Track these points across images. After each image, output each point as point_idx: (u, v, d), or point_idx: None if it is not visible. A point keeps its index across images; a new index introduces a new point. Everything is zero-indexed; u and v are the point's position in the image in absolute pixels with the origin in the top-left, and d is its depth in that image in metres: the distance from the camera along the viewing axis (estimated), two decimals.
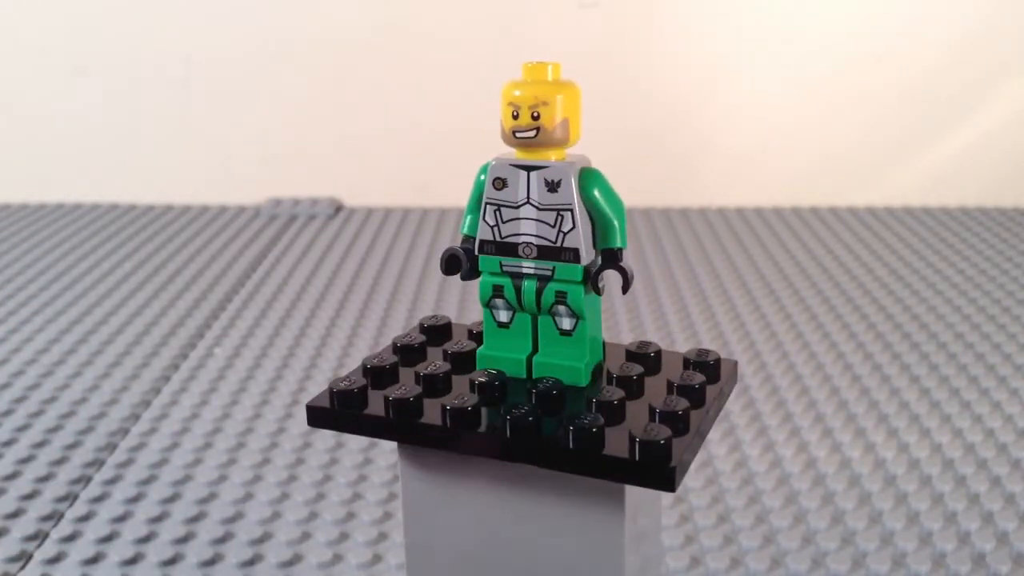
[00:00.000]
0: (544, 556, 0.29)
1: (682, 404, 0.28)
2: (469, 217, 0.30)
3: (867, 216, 0.91)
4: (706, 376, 0.30)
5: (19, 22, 0.93)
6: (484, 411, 0.28)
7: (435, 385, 0.29)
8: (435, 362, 0.30)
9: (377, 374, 0.30)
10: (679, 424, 0.27)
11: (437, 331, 0.33)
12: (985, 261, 0.79)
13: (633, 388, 0.29)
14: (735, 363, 0.32)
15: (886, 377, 0.58)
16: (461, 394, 0.28)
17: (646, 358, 0.31)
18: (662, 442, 0.26)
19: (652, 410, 0.28)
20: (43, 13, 0.93)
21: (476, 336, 0.32)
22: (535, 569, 0.30)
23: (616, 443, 0.27)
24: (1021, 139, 0.93)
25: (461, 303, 0.70)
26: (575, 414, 0.27)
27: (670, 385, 0.30)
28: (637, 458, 0.26)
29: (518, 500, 0.29)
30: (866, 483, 0.47)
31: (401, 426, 0.28)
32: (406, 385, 0.29)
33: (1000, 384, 0.57)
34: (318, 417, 0.29)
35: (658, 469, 0.26)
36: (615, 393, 0.28)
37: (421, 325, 0.33)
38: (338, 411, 0.29)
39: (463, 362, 0.31)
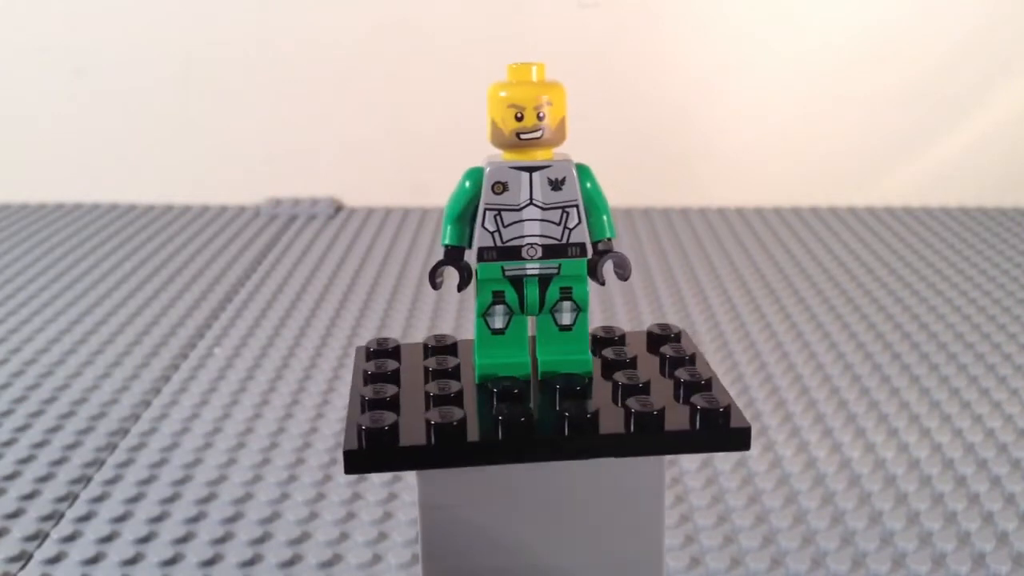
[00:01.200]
0: (579, 555, 0.29)
1: (703, 373, 0.29)
2: (451, 227, 0.29)
3: (867, 216, 0.91)
4: (683, 347, 0.31)
5: (19, 22, 0.93)
6: (533, 416, 0.28)
7: (455, 403, 0.29)
8: (440, 382, 0.29)
9: (382, 406, 0.29)
10: (712, 391, 0.28)
11: (391, 355, 0.32)
12: (985, 261, 0.79)
13: (635, 368, 0.30)
14: (684, 331, 0.33)
15: (886, 377, 0.58)
16: (499, 406, 0.28)
17: (613, 341, 0.32)
18: (722, 409, 0.27)
19: (678, 383, 0.29)
20: (43, 13, 0.93)
21: (437, 350, 0.32)
22: (572, 570, 0.30)
23: (674, 419, 0.27)
24: (1021, 139, 0.93)
25: (461, 303, 0.70)
26: (614, 402, 0.28)
27: (664, 360, 0.30)
28: (705, 427, 0.27)
29: (550, 503, 0.29)
30: (866, 483, 0.47)
31: (448, 450, 0.27)
32: (439, 409, 0.28)
33: (1000, 384, 0.57)
34: (356, 461, 0.27)
35: (730, 433, 0.27)
36: (638, 376, 0.29)
37: (368, 350, 0.32)
38: (371, 450, 0.27)
39: (455, 378, 0.30)
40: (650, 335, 0.32)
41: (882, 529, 0.43)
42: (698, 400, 0.28)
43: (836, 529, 0.43)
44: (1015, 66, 0.91)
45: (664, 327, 0.32)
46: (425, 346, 0.32)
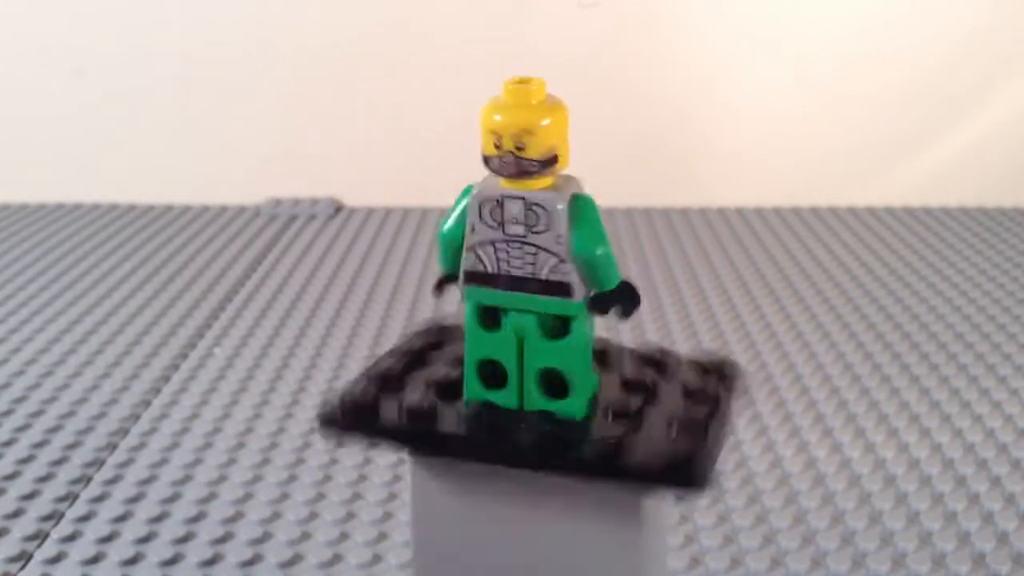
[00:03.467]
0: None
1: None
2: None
3: (867, 216, 0.91)
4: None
5: (19, 22, 0.93)
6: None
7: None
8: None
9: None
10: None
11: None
12: (985, 261, 0.79)
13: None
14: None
15: (886, 377, 0.58)
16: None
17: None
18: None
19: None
20: (43, 13, 0.93)
21: None
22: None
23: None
24: (1021, 139, 0.93)
25: (461, 302, 0.70)
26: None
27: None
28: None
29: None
30: (866, 483, 0.47)
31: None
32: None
33: (1000, 384, 0.57)
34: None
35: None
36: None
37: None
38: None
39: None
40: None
41: (882, 529, 0.43)
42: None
43: (836, 529, 0.43)
44: (1015, 66, 0.91)
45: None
46: None
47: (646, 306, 0.69)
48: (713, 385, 0.29)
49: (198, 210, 0.95)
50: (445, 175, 0.97)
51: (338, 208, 0.95)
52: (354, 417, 0.28)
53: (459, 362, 0.30)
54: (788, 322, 0.66)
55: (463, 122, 0.92)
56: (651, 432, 0.27)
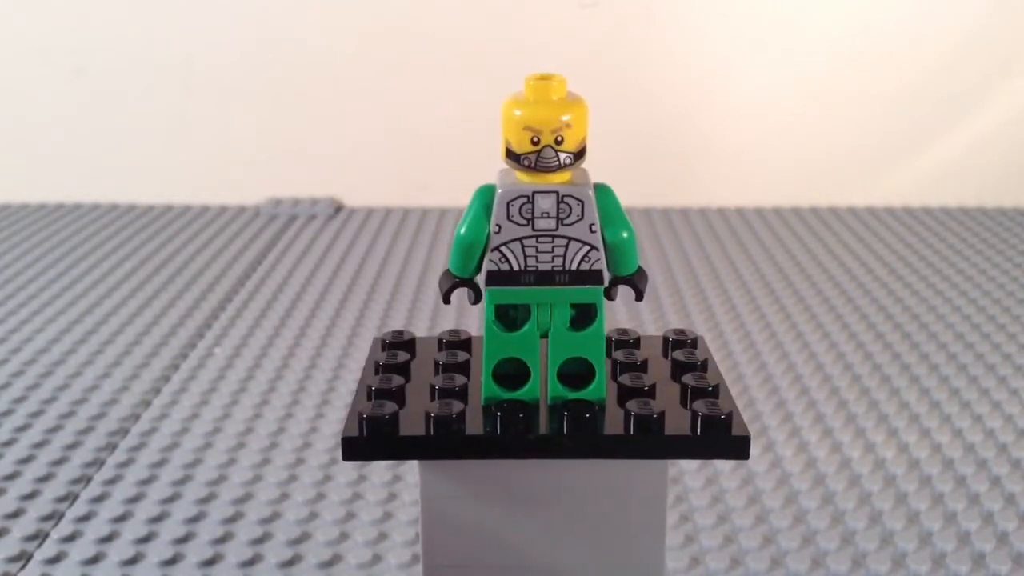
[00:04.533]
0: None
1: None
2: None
3: (867, 216, 0.91)
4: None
5: (19, 23, 0.93)
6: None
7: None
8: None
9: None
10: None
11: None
12: (985, 261, 0.79)
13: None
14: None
15: (886, 377, 0.58)
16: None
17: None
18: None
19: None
20: (43, 13, 0.93)
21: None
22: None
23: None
24: (1021, 139, 0.93)
25: (461, 301, 0.70)
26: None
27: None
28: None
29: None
30: (866, 483, 0.47)
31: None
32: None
33: (1000, 384, 0.57)
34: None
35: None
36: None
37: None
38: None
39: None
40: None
41: (882, 529, 0.43)
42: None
43: (836, 529, 0.43)
44: (1015, 66, 0.91)
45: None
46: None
47: (646, 306, 0.70)
48: (701, 356, 0.30)
49: (198, 210, 0.95)
50: (445, 175, 0.98)
51: (338, 208, 0.95)
52: (378, 436, 0.28)
53: (449, 368, 0.30)
54: (788, 322, 0.66)
55: (463, 122, 0.93)
56: (673, 403, 0.28)
